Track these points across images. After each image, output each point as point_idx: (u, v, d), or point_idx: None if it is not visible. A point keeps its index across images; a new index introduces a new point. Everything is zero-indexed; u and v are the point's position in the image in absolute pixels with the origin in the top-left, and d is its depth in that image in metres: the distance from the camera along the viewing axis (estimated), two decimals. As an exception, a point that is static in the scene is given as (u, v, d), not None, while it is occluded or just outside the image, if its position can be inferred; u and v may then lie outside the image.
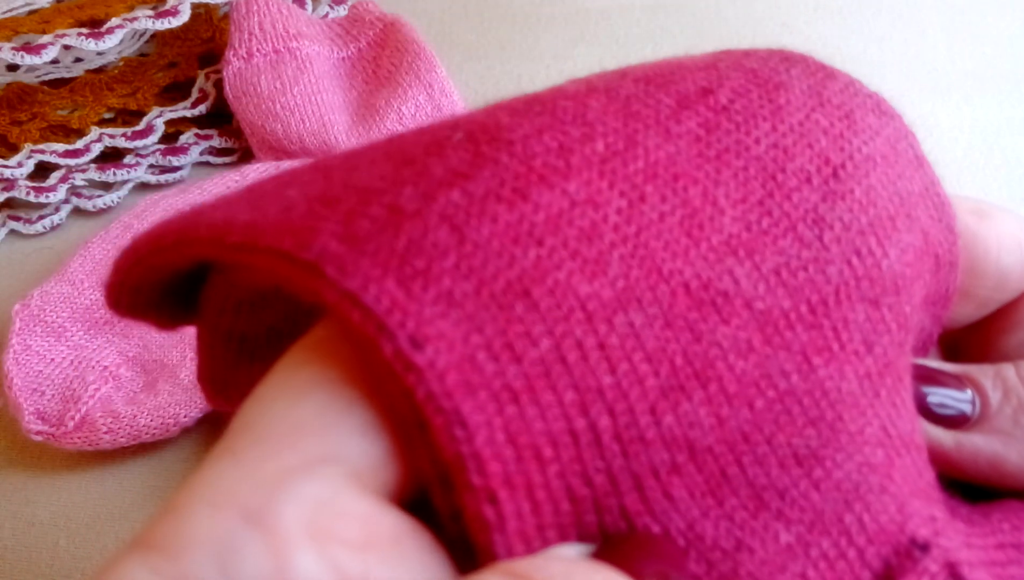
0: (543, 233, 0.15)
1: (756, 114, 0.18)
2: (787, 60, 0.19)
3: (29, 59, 0.45)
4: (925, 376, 0.19)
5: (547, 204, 0.15)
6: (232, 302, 0.18)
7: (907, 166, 0.19)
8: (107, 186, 0.52)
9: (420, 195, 0.15)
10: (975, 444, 0.19)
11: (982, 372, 0.19)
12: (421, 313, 0.14)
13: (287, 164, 0.50)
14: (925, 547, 0.16)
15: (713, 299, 0.16)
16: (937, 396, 0.19)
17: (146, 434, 0.39)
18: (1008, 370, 0.19)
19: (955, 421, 0.19)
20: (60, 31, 0.47)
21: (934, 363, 0.20)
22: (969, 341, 0.22)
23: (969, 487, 0.19)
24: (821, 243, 0.17)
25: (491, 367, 0.14)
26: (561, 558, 0.14)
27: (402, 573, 0.13)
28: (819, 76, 0.19)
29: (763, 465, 0.16)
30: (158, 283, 0.17)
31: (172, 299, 0.18)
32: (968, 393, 0.19)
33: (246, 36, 0.52)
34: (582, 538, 0.15)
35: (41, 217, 0.51)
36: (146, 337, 0.43)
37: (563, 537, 0.14)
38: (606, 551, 0.14)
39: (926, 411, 0.19)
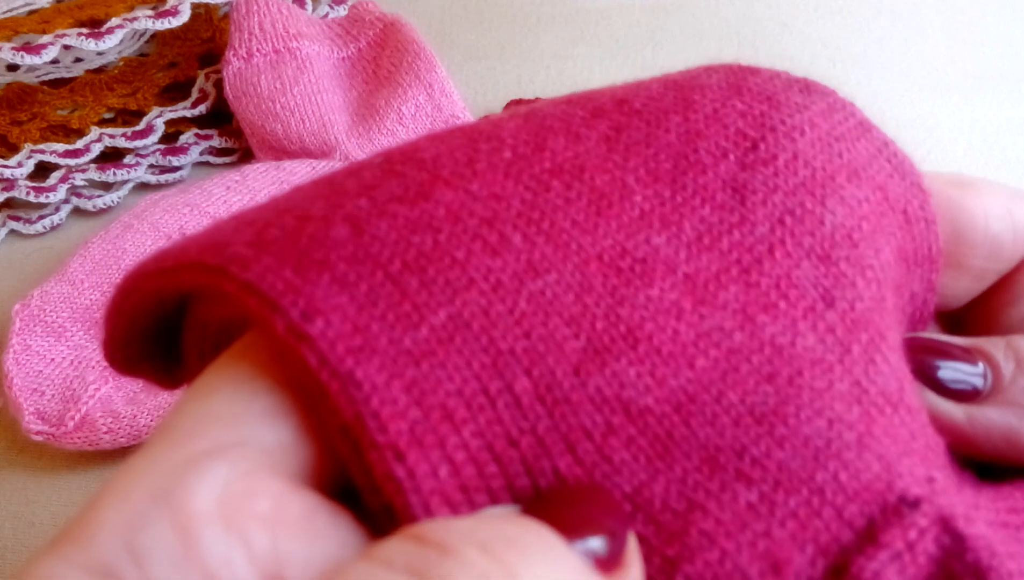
0: (442, 223, 0.16)
1: (668, 110, 0.18)
2: (710, 69, 0.20)
3: (29, 59, 0.45)
4: (934, 349, 0.19)
5: (448, 201, 0.16)
6: (209, 346, 0.18)
7: (847, 132, 0.19)
8: (107, 186, 0.52)
9: (329, 205, 0.16)
10: (988, 418, 0.18)
11: (993, 344, 0.19)
12: (314, 293, 0.14)
13: (287, 164, 0.50)
14: (915, 504, 0.16)
15: (631, 266, 0.16)
16: (948, 370, 0.19)
17: (146, 434, 0.39)
18: (1020, 341, 0.19)
19: (967, 395, 0.18)
20: (60, 31, 0.47)
21: (942, 336, 0.20)
22: (972, 317, 0.21)
23: (982, 470, 0.19)
24: (744, 207, 0.17)
25: (386, 335, 0.14)
26: (479, 517, 0.14)
27: (314, 549, 0.14)
28: (741, 73, 0.19)
29: (715, 425, 0.16)
30: (142, 334, 0.17)
31: (163, 353, 0.18)
32: (980, 366, 0.19)
33: (246, 36, 0.52)
34: (518, 502, 0.15)
35: (41, 217, 0.51)
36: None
37: (495, 500, 0.14)
38: (536, 505, 0.14)
39: (937, 385, 0.18)
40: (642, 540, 0.15)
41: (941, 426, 0.18)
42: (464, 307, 0.15)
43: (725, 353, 0.16)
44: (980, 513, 0.17)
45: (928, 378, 0.18)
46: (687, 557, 0.15)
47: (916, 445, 0.17)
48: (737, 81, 0.19)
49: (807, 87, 0.20)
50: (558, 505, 0.14)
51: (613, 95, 0.19)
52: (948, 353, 0.19)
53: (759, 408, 0.16)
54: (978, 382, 0.18)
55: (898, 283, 0.19)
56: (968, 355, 0.19)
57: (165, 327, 0.18)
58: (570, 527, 0.14)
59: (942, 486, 0.17)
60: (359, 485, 0.14)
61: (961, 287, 0.20)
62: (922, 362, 0.18)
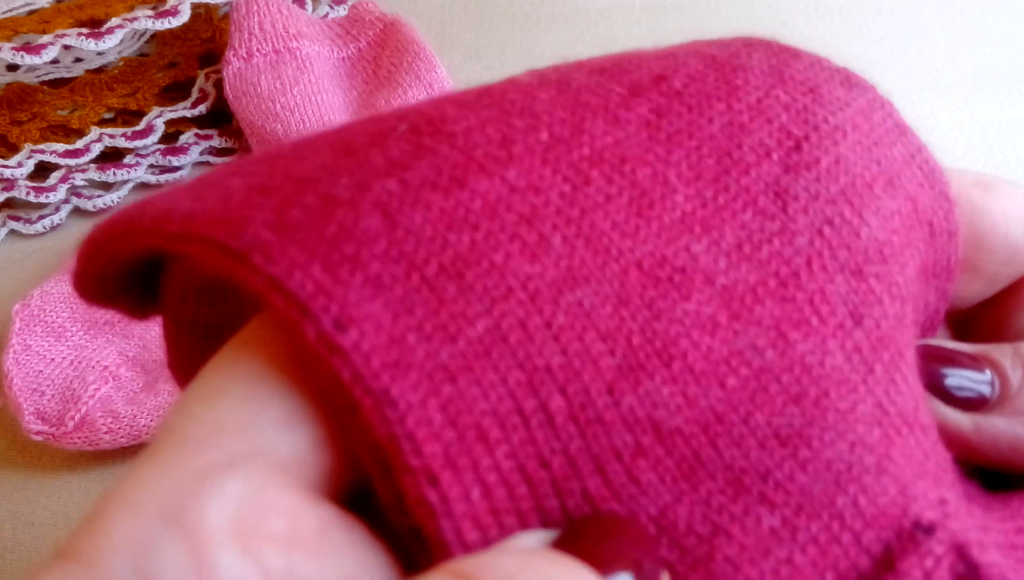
0: (479, 218, 0.15)
1: (711, 96, 0.17)
2: (749, 45, 0.19)
3: (29, 59, 0.45)
4: (941, 357, 0.18)
5: (484, 191, 0.15)
6: (192, 290, 0.17)
7: (885, 134, 0.18)
8: (107, 186, 0.52)
9: (355, 184, 0.15)
10: (995, 426, 0.18)
11: (1000, 351, 0.19)
12: (346, 297, 0.13)
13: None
14: (930, 529, 0.16)
15: (670, 276, 0.15)
16: (954, 377, 0.18)
17: (146, 434, 0.39)
18: None
19: (974, 403, 0.18)
20: (60, 31, 0.47)
21: (949, 343, 0.19)
22: (981, 320, 0.21)
23: (989, 476, 0.19)
24: (786, 214, 0.16)
25: (423, 348, 0.13)
26: (516, 551, 0.13)
27: (329, 567, 0.13)
28: (783, 56, 0.19)
29: (741, 446, 0.15)
30: (121, 271, 0.16)
31: (139, 287, 0.17)
32: (987, 373, 0.18)
33: (246, 36, 0.52)
34: (545, 524, 0.14)
35: (41, 217, 0.51)
36: (146, 337, 0.43)
37: (523, 523, 0.14)
38: (569, 539, 0.14)
39: (943, 393, 0.18)
40: (667, 566, 0.15)
41: (948, 435, 0.18)
42: (502, 319, 0.14)
43: (756, 372, 0.15)
44: (991, 536, 0.17)
45: (935, 386, 0.18)
46: None
47: (929, 465, 0.17)
48: (779, 66, 0.18)
49: (848, 79, 0.19)
50: (591, 539, 0.14)
51: (650, 68, 0.18)
52: (955, 361, 0.18)
53: (785, 430, 0.15)
54: (985, 390, 0.18)
55: (916, 296, 0.18)
56: (975, 363, 0.18)
57: (145, 265, 0.17)
58: (604, 562, 0.13)
59: (954, 508, 0.16)
60: (384, 502, 0.14)
61: (973, 290, 0.20)
62: (930, 370, 0.18)
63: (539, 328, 0.14)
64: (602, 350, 0.14)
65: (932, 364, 0.18)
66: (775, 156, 0.17)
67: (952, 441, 0.18)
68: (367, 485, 0.14)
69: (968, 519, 0.16)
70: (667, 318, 0.15)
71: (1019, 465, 0.18)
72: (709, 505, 0.15)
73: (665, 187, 0.16)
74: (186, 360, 0.19)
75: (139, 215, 0.15)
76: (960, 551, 0.16)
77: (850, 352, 0.16)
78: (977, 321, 0.21)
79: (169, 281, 0.18)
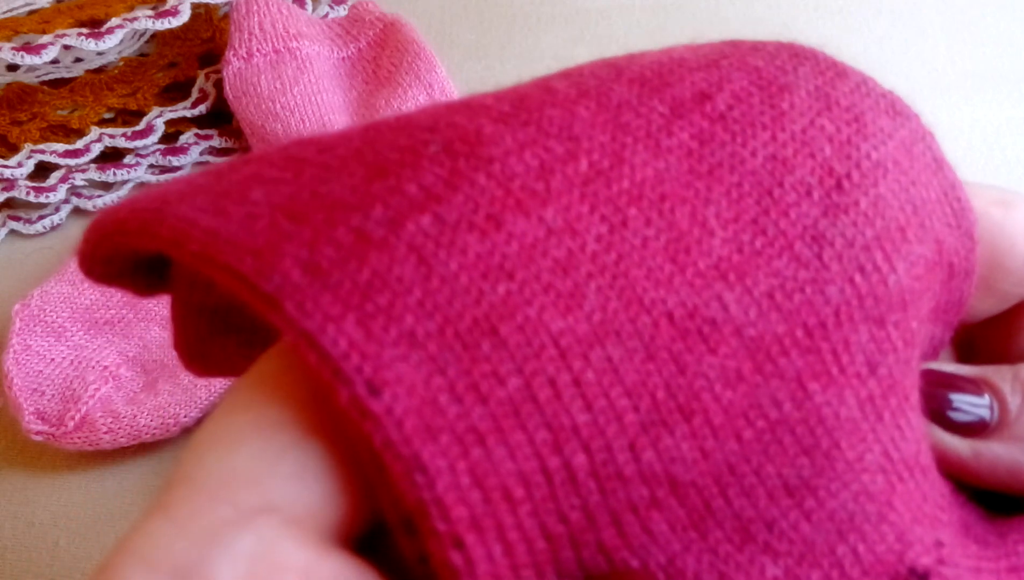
0: (515, 265, 0.14)
1: (755, 122, 0.17)
2: (796, 57, 0.18)
3: (29, 59, 0.45)
4: (939, 381, 0.18)
5: (521, 233, 0.14)
6: (203, 279, 0.17)
7: (923, 171, 0.18)
8: (107, 186, 0.52)
9: (389, 219, 0.14)
10: (994, 452, 0.18)
11: (1000, 375, 0.18)
12: (380, 356, 0.13)
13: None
14: (924, 577, 0.16)
15: (699, 328, 0.15)
16: (953, 402, 0.18)
17: (146, 434, 0.39)
18: None
19: (973, 428, 0.18)
20: (60, 31, 0.47)
21: (949, 367, 0.19)
22: (986, 336, 0.20)
23: (992, 495, 0.19)
24: (820, 262, 0.16)
25: (454, 410, 0.13)
26: None
27: None
28: (828, 75, 0.18)
29: (750, 497, 0.15)
30: (130, 254, 0.16)
31: (146, 266, 0.17)
32: (986, 398, 0.18)
33: (246, 36, 0.52)
34: (560, 574, 0.14)
35: (41, 217, 0.51)
36: (146, 337, 0.43)
37: (540, 575, 0.14)
38: None
39: (941, 418, 0.18)
40: None
41: (947, 461, 0.18)
42: (533, 377, 0.14)
43: (772, 424, 0.15)
44: (983, 578, 0.17)
45: (935, 411, 0.18)
46: None
47: (927, 507, 0.17)
48: (826, 87, 0.18)
49: (893, 106, 0.18)
50: None
51: (693, 82, 0.17)
52: (955, 385, 0.18)
53: (794, 480, 0.15)
54: (984, 414, 0.18)
55: (925, 336, 0.18)
56: (975, 387, 0.18)
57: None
58: None
59: (948, 552, 0.16)
60: (407, 554, 0.14)
61: (984, 307, 0.20)
62: (929, 394, 0.18)
63: (568, 386, 0.14)
64: (627, 406, 0.14)
65: (931, 388, 0.18)
66: (816, 195, 0.16)
67: (951, 467, 0.18)
68: (381, 525, 0.14)
69: (964, 561, 0.16)
70: (692, 372, 0.15)
71: (1016, 489, 0.18)
72: (716, 554, 0.15)
73: (703, 230, 0.16)
74: (193, 342, 0.19)
75: (155, 218, 0.15)
76: None
77: (863, 401, 0.16)
78: (982, 338, 0.21)
79: (179, 267, 0.17)
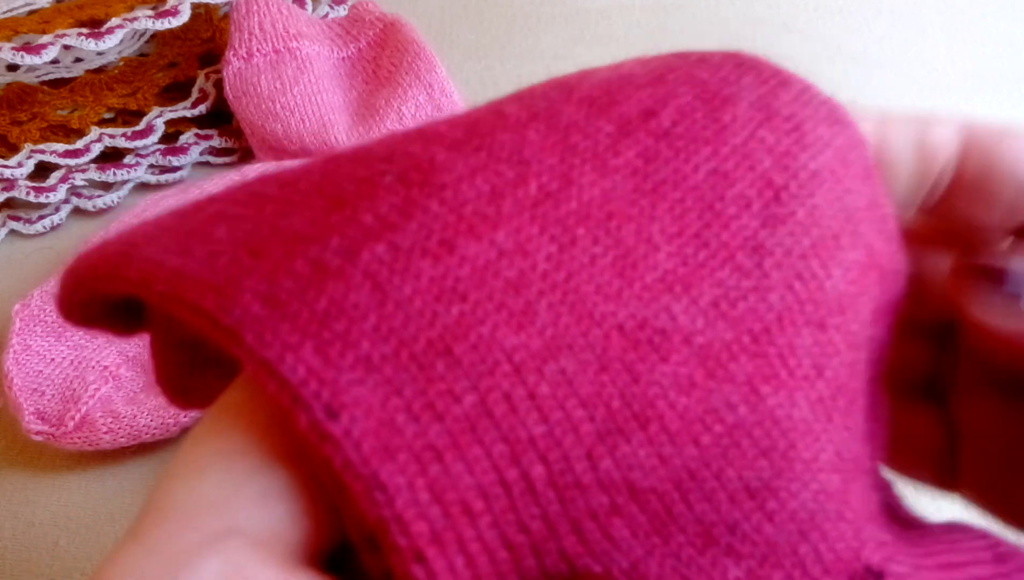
0: (467, 287, 0.15)
1: (698, 137, 0.17)
2: (740, 67, 0.19)
3: (29, 59, 0.45)
4: (988, 264, 0.18)
5: (473, 256, 0.15)
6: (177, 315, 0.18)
7: (855, 179, 0.19)
8: (107, 186, 0.52)
9: (345, 249, 0.15)
10: None
11: None
12: (337, 381, 0.14)
13: (287, 164, 0.50)
14: (880, 576, 0.16)
15: (650, 338, 0.16)
16: (1009, 275, 0.18)
17: (146, 434, 0.39)
18: None
19: None
20: (60, 31, 0.47)
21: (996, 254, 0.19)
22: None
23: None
24: (761, 271, 0.17)
25: (411, 429, 0.14)
26: None
27: None
28: (771, 84, 0.19)
29: (712, 501, 0.16)
30: (105, 297, 0.17)
31: (123, 307, 0.17)
32: None
33: (246, 36, 0.52)
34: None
35: (41, 217, 0.51)
36: (146, 337, 0.43)
37: None
38: None
39: (995, 303, 0.18)
40: None
41: (1007, 342, 0.18)
42: (488, 394, 0.14)
43: (729, 428, 0.16)
44: (923, 575, 0.17)
45: (985, 301, 0.18)
46: None
47: (873, 507, 0.17)
48: (768, 97, 0.18)
49: (832, 114, 0.19)
50: None
51: (639, 100, 0.18)
52: (1005, 259, 0.18)
53: (754, 482, 0.16)
54: None
55: (866, 337, 0.19)
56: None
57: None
58: None
59: (892, 551, 0.17)
60: (371, 571, 0.14)
61: (997, 221, 0.20)
62: (980, 279, 0.18)
63: (523, 399, 0.14)
64: (582, 416, 0.15)
65: (983, 272, 0.18)
66: (755, 208, 0.17)
67: (1011, 346, 0.18)
68: (347, 543, 0.15)
69: (906, 560, 0.17)
70: (646, 380, 0.15)
71: None
72: (679, 558, 0.15)
73: (648, 245, 0.16)
74: (173, 376, 0.19)
75: (124, 261, 0.15)
76: None
77: (814, 403, 0.17)
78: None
79: (154, 306, 0.17)
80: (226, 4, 0.55)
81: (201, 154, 0.54)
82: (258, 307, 0.14)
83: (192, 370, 0.19)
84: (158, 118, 0.52)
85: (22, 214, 0.51)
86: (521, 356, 0.15)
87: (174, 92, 0.54)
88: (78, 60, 0.53)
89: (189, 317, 0.14)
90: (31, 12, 0.51)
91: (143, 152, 0.52)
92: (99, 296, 0.16)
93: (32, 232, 0.50)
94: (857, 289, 0.18)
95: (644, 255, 0.16)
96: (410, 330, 0.14)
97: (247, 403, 0.15)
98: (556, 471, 0.15)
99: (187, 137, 0.53)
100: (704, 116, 0.18)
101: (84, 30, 0.47)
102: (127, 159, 0.52)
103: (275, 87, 0.51)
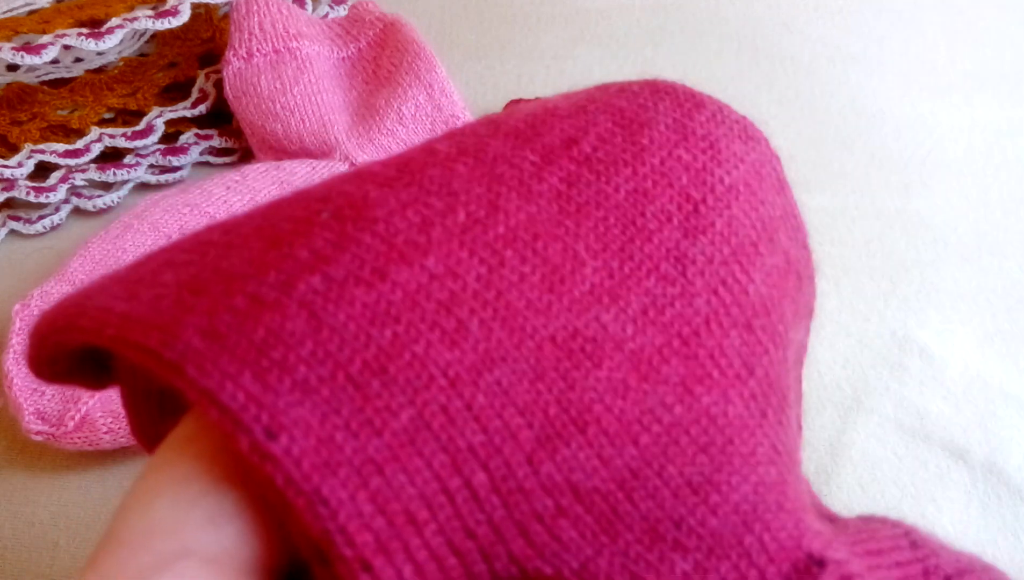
0: (400, 310, 0.15)
1: (618, 160, 0.18)
2: (657, 93, 0.20)
3: (29, 59, 0.45)
4: None
5: (405, 281, 0.16)
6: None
7: (769, 191, 0.20)
8: (107, 186, 0.52)
9: (281, 282, 0.15)
10: None
11: None
12: (276, 404, 0.14)
13: (287, 164, 0.50)
14: (821, 563, 0.17)
15: (582, 346, 0.16)
16: None
17: (146, 434, 0.39)
18: None
19: None
20: (60, 31, 0.47)
21: None
22: None
23: None
24: (685, 278, 0.18)
25: (351, 444, 0.14)
26: None
27: None
28: (687, 107, 0.20)
29: (656, 498, 0.16)
30: (71, 353, 0.17)
31: (92, 361, 0.18)
32: None
33: (246, 36, 0.52)
34: None
35: (41, 217, 0.51)
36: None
37: None
38: None
39: None
40: None
41: None
42: (424, 407, 0.15)
43: (667, 427, 0.17)
44: (858, 561, 0.18)
45: None
46: None
47: (804, 499, 0.18)
48: (683, 119, 0.19)
49: (745, 131, 0.20)
50: None
51: (562, 129, 0.19)
52: None
53: (695, 478, 0.17)
54: None
55: (792, 340, 0.20)
56: None
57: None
58: None
59: (828, 538, 0.18)
60: (319, 578, 0.15)
61: None
62: None
63: (460, 411, 0.15)
64: (520, 424, 0.16)
65: None
66: (675, 221, 0.18)
67: None
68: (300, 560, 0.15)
69: (842, 548, 0.18)
70: (581, 387, 0.16)
71: None
72: (627, 555, 0.16)
73: (575, 261, 0.17)
74: (147, 425, 0.20)
75: (77, 313, 0.16)
76: None
77: (747, 400, 0.18)
78: None
79: (119, 357, 0.18)
80: (226, 4, 0.55)
81: (201, 154, 0.54)
82: (199, 341, 0.15)
83: (163, 417, 0.20)
84: (158, 118, 0.52)
85: (22, 214, 0.51)
86: (456, 370, 0.15)
87: (174, 92, 0.54)
88: (78, 60, 0.53)
89: (137, 356, 0.15)
90: (31, 12, 0.51)
91: (143, 152, 0.52)
92: (63, 351, 0.17)
93: (32, 232, 0.50)
94: (779, 293, 0.19)
95: (571, 271, 0.17)
96: (345, 353, 0.15)
97: (195, 433, 0.16)
98: (498, 477, 0.15)
99: (187, 137, 0.53)
100: (623, 140, 0.19)
101: (84, 30, 0.47)
102: (127, 159, 0.52)
103: (275, 87, 0.51)
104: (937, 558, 0.19)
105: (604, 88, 0.20)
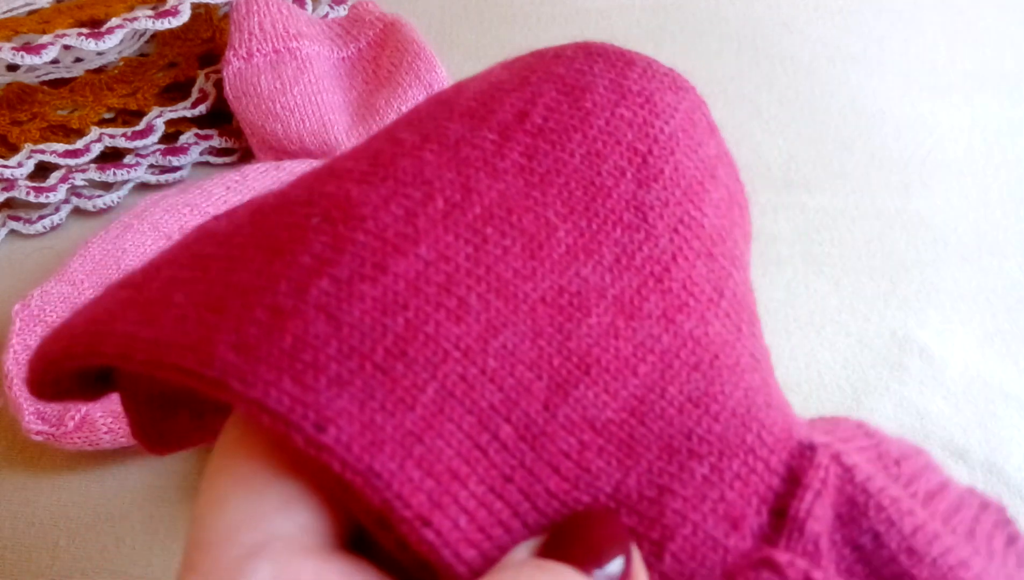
0: (406, 298, 0.17)
1: (567, 126, 0.20)
2: (590, 56, 0.22)
3: (29, 59, 0.45)
4: None
5: (404, 271, 0.17)
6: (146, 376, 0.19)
7: (704, 133, 0.22)
8: (107, 186, 0.52)
9: (294, 290, 0.17)
10: None
11: None
12: (318, 401, 0.16)
13: (287, 164, 0.50)
14: (812, 447, 0.20)
15: (570, 301, 0.18)
16: None
17: (146, 434, 0.39)
18: None
19: None
20: (60, 31, 0.47)
21: None
22: None
23: None
24: (647, 224, 0.20)
25: (390, 423, 0.16)
26: (509, 566, 0.16)
27: None
28: (619, 66, 0.22)
29: (664, 417, 0.19)
30: (74, 374, 0.19)
31: (92, 376, 0.20)
32: None
33: (246, 36, 0.52)
34: (525, 525, 0.17)
35: (41, 217, 0.51)
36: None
37: (507, 530, 0.17)
38: (551, 545, 0.17)
39: None
40: (630, 530, 0.18)
41: None
42: (446, 379, 0.17)
43: (659, 355, 0.19)
44: (835, 445, 0.20)
45: None
46: (669, 536, 0.18)
47: (782, 397, 0.21)
48: (618, 79, 0.21)
49: (675, 82, 0.22)
50: (569, 541, 0.17)
51: (512, 104, 0.20)
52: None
53: (694, 393, 0.19)
54: None
55: (745, 261, 0.22)
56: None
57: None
58: (585, 560, 0.17)
59: (808, 427, 0.21)
60: (386, 545, 0.17)
61: None
62: None
63: (476, 376, 0.17)
64: (531, 377, 0.18)
65: None
66: (628, 174, 0.20)
67: None
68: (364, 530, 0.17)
69: (820, 435, 0.20)
70: (576, 336, 0.18)
71: None
72: (651, 472, 0.18)
73: (548, 227, 0.19)
74: (149, 427, 0.21)
75: (97, 339, 0.17)
76: (837, 458, 0.20)
77: (723, 319, 0.20)
78: None
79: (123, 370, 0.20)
80: (226, 4, 0.55)
81: (201, 154, 0.54)
82: (233, 356, 0.16)
83: (165, 417, 0.22)
84: (158, 118, 0.52)
85: (22, 214, 0.51)
86: (466, 342, 0.17)
87: (174, 92, 0.54)
88: (78, 60, 0.53)
89: (176, 377, 0.16)
90: (31, 12, 0.51)
91: (143, 152, 0.52)
92: (70, 373, 0.18)
93: (32, 232, 0.50)
94: (728, 222, 0.22)
95: (547, 236, 0.19)
96: (367, 345, 0.17)
97: (242, 436, 0.17)
98: (521, 426, 0.17)
99: (187, 137, 0.53)
100: (569, 107, 0.21)
101: (84, 30, 0.47)
102: (127, 159, 0.52)
103: (275, 87, 0.51)
104: (887, 444, 0.23)
105: (540, 55, 0.22)
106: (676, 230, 0.20)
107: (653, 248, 0.20)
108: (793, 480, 0.19)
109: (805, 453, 0.20)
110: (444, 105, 0.21)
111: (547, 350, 0.18)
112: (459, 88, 0.22)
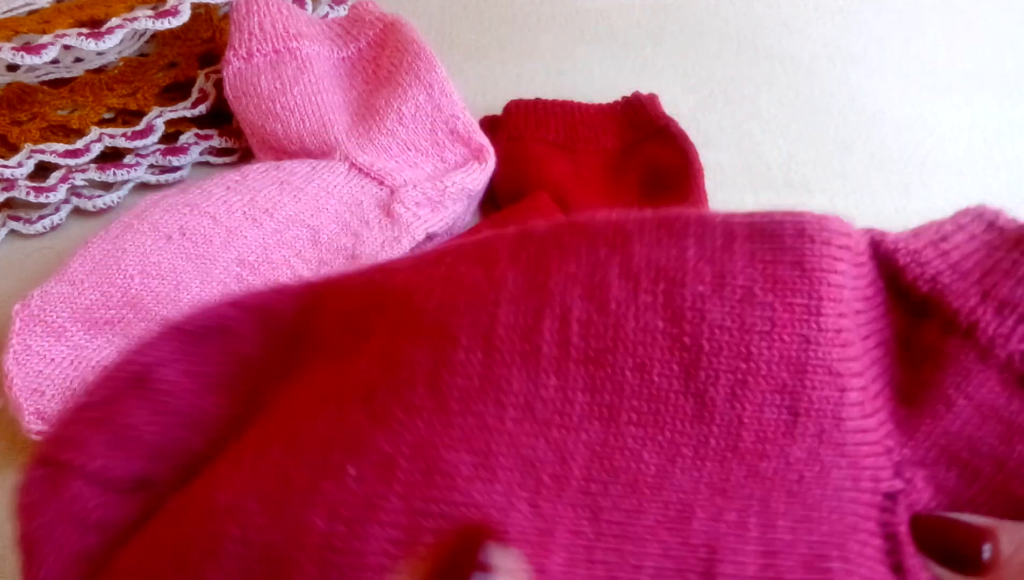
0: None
1: (607, 344, 0.23)
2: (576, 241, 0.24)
3: (29, 59, 0.45)
4: (945, 528, 0.22)
5: (555, 570, 0.20)
6: None
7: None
8: (107, 186, 0.52)
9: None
10: None
11: (1001, 526, 0.22)
12: None
13: (287, 164, 0.50)
14: (893, 496, 0.22)
15: (679, 512, 0.21)
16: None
17: (146, 434, 0.39)
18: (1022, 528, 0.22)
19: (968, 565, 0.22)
20: (60, 31, 0.47)
21: (952, 514, 0.23)
22: None
23: None
24: (706, 404, 0.22)
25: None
26: None
27: None
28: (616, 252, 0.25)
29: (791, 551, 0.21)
30: None
31: None
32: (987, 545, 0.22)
33: (246, 36, 0.52)
34: None
35: (41, 217, 0.51)
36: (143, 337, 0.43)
37: None
38: None
39: (945, 558, 0.22)
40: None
41: None
42: None
43: (760, 503, 0.22)
44: (909, 452, 0.23)
45: (936, 552, 0.22)
46: None
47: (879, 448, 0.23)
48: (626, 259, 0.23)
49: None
50: None
51: (550, 328, 0.22)
52: (958, 531, 0.23)
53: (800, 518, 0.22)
54: (984, 554, 0.22)
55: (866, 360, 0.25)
56: (977, 534, 0.22)
57: None
58: None
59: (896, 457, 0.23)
60: None
61: None
62: (931, 539, 0.22)
63: None
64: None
65: (935, 534, 0.23)
66: (675, 367, 0.22)
67: None
68: None
69: (899, 449, 0.23)
70: (694, 532, 0.20)
71: None
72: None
73: (635, 458, 0.21)
74: None
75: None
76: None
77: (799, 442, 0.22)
78: None
79: None
80: (226, 4, 0.55)
81: (201, 154, 0.54)
82: None
83: None
84: (158, 118, 0.52)
85: (22, 214, 0.51)
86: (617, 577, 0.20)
87: (174, 92, 0.54)
88: (78, 60, 0.53)
89: None
90: (31, 12, 0.51)
91: (143, 152, 0.52)
92: None
93: (32, 232, 0.50)
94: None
95: (636, 466, 0.21)
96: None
97: None
98: None
99: (187, 137, 0.53)
100: (599, 315, 0.22)
101: (84, 30, 0.47)
102: (127, 159, 0.52)
103: (275, 87, 0.51)
104: None
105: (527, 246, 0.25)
106: (734, 394, 0.21)
107: (720, 423, 0.21)
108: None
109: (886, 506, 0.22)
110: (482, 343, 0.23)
111: (681, 555, 0.20)
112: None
